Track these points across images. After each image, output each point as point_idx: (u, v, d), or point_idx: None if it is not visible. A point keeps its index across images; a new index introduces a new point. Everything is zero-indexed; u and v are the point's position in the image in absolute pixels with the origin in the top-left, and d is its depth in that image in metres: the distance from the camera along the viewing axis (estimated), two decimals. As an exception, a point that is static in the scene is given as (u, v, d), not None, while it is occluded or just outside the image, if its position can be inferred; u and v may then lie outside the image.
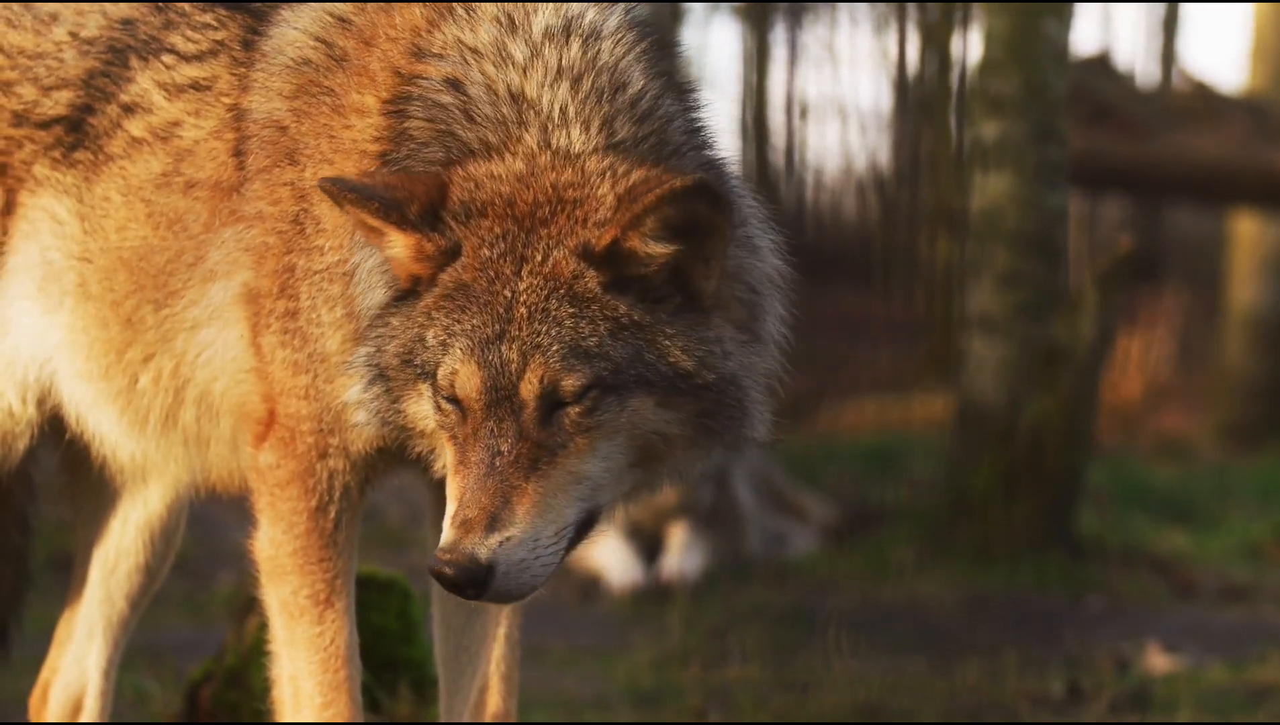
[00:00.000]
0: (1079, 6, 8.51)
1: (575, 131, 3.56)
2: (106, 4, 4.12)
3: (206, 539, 7.90)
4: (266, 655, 3.94)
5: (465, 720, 4.00)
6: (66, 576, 4.58)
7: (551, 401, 3.42)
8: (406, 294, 3.56)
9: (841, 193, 17.45)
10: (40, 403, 4.15)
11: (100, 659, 4.53)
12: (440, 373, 3.46)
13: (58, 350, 4.07)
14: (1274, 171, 11.67)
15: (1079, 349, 8.13)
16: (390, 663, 5.10)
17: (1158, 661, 6.61)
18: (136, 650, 5.32)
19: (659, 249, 3.43)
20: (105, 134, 4.02)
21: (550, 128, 3.56)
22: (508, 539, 3.38)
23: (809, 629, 6.91)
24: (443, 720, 4.05)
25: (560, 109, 3.57)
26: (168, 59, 4.01)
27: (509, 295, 3.44)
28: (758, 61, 16.48)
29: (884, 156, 16.82)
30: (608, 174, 3.50)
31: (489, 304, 3.44)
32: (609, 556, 8.64)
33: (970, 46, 14.08)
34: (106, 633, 4.53)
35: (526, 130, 3.56)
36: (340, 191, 3.52)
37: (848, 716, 5.81)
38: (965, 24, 13.97)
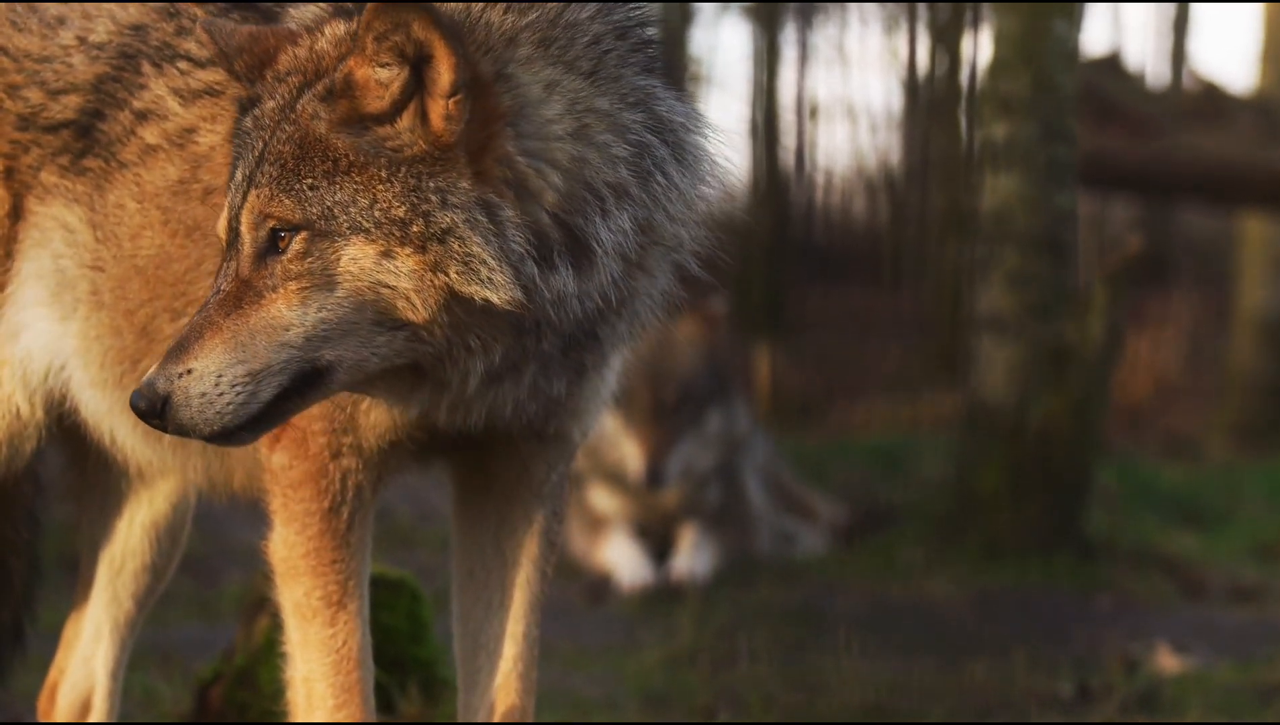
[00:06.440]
0: (1089, 7, 8.52)
1: None
2: (115, 8, 4.10)
3: (214, 538, 7.89)
4: (276, 654, 3.95)
5: (482, 718, 4.00)
6: (74, 576, 4.57)
7: (264, 242, 3.41)
8: None
9: (851, 193, 17.44)
10: (49, 407, 4.14)
11: (108, 659, 4.52)
12: None
13: (71, 358, 4.06)
14: (1284, 172, 11.64)
15: (1088, 349, 8.12)
16: (398, 662, 5.10)
17: (1167, 662, 6.60)
18: (145, 650, 5.32)
19: (385, 74, 3.38)
20: (118, 141, 4.01)
21: None
22: (189, 372, 3.38)
23: (818, 628, 6.91)
24: (460, 717, 4.05)
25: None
26: (182, 65, 4.01)
27: (264, 141, 3.46)
28: (767, 62, 16.44)
29: (894, 157, 16.82)
30: None
31: (250, 149, 3.48)
32: (618, 556, 8.63)
33: (980, 47, 14.10)
34: (114, 633, 4.52)
35: None
36: (202, 30, 3.63)
37: (856, 716, 5.80)
38: (975, 24, 13.98)
